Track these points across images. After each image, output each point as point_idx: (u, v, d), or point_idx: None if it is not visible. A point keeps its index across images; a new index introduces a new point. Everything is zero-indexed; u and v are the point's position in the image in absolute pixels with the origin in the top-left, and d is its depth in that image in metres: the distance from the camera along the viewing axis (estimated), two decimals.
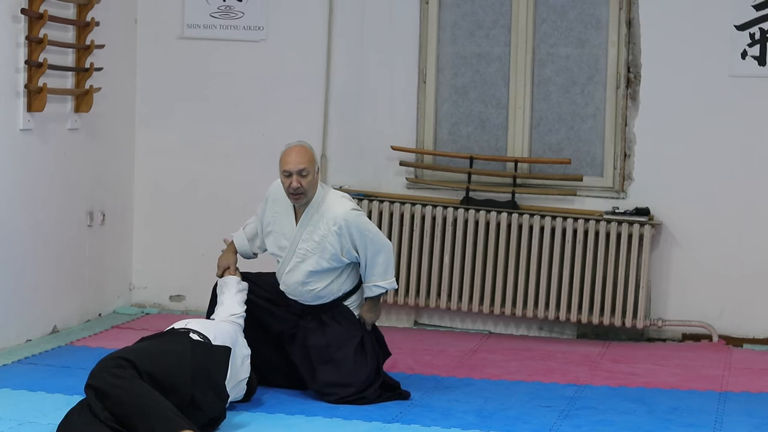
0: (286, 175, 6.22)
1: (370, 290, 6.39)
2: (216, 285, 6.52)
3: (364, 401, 6.26)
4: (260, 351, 6.38)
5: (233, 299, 6.34)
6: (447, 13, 8.32)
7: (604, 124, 8.14)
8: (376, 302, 6.48)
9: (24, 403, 6.02)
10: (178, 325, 5.94)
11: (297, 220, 6.35)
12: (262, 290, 6.50)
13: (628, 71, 8.05)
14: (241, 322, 6.27)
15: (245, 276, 6.56)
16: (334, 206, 6.30)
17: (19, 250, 7.35)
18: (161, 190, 8.64)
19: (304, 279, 6.33)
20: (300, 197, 6.25)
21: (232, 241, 6.67)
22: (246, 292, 6.43)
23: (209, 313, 6.45)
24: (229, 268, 6.54)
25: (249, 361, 6.07)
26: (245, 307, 6.36)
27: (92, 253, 8.16)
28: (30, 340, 7.48)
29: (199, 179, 8.58)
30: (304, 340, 6.38)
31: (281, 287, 6.43)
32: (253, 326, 6.37)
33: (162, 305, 8.69)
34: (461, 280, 8.18)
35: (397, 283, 7.44)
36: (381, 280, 6.38)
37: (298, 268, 6.33)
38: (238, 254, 6.66)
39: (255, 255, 6.71)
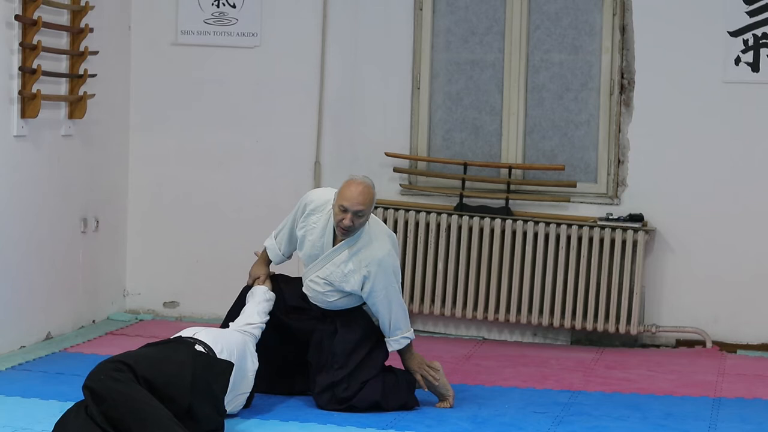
0: (342, 209, 6.09)
1: (398, 343, 6.32)
2: (244, 289, 6.52)
3: (359, 402, 6.23)
4: (285, 356, 6.40)
5: (255, 309, 6.33)
6: (441, 20, 8.32)
7: (597, 130, 8.15)
8: (412, 353, 6.40)
9: (18, 410, 6.00)
10: (186, 333, 5.89)
11: (334, 239, 6.29)
12: (289, 296, 6.46)
13: (622, 77, 8.06)
14: (257, 332, 6.24)
15: (275, 278, 6.55)
16: (375, 246, 6.22)
17: (13, 257, 7.33)
18: (155, 197, 8.63)
19: (324, 291, 6.33)
20: (347, 234, 6.18)
21: (264, 250, 6.59)
22: (272, 302, 6.40)
23: (229, 313, 6.45)
24: (259, 278, 6.51)
25: (254, 375, 6.07)
26: (267, 318, 6.33)
27: (86, 259, 8.15)
28: (24, 347, 7.47)
29: (193, 185, 8.57)
30: (319, 344, 6.37)
31: (303, 289, 6.43)
32: (279, 333, 6.37)
33: (156, 312, 8.67)
34: (455, 287, 8.18)
35: None
36: (405, 330, 6.31)
37: (319, 281, 6.33)
38: (271, 263, 6.60)
39: (289, 257, 6.64)
